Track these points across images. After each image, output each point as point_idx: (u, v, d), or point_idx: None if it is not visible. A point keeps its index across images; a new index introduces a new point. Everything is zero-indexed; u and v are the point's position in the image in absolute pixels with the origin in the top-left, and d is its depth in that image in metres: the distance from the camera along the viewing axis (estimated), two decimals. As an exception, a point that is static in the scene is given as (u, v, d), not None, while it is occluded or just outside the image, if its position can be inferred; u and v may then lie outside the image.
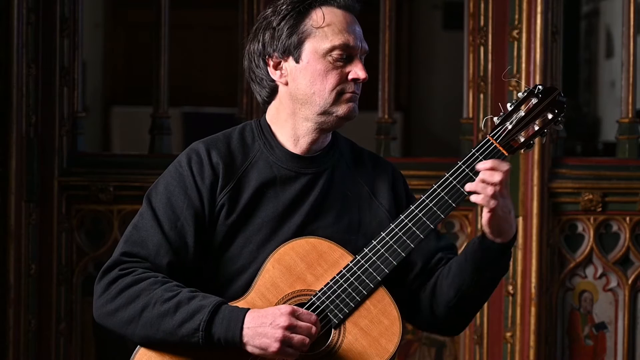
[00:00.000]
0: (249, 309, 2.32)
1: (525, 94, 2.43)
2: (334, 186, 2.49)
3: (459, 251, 2.54)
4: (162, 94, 4.33)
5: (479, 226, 2.44)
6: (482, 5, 4.22)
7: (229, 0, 4.23)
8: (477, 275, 2.43)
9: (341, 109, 2.44)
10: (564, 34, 4.25)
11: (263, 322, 2.30)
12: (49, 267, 4.18)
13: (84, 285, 4.19)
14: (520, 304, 4.18)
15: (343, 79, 2.44)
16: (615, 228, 4.25)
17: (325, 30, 2.43)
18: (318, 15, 2.44)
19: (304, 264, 2.40)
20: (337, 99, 2.44)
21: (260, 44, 2.48)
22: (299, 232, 2.43)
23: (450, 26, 8.66)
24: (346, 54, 2.43)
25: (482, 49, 4.23)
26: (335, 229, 2.46)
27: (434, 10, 9.00)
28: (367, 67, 2.45)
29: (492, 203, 2.34)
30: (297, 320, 2.31)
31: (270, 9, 2.48)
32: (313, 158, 2.49)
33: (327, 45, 2.42)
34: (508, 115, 2.42)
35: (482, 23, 4.23)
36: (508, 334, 4.20)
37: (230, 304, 2.37)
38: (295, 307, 2.33)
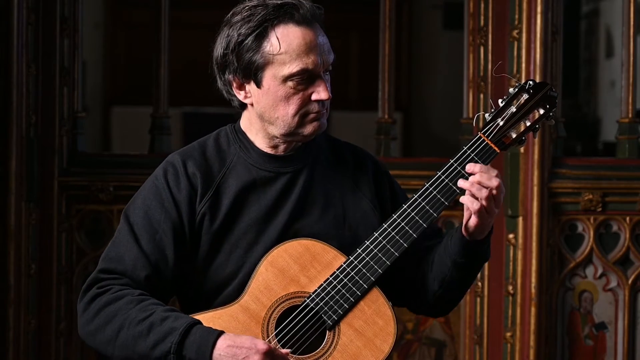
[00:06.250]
0: (222, 332, 2.29)
1: (517, 89, 2.40)
2: (315, 182, 2.47)
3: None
4: (162, 94, 4.33)
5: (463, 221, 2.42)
6: (482, 5, 4.21)
7: (229, 0, 4.22)
8: (456, 269, 2.43)
9: (306, 130, 2.42)
10: (564, 34, 4.25)
11: (235, 354, 2.27)
12: (49, 267, 4.17)
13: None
14: (520, 304, 4.18)
15: (306, 101, 2.40)
16: (615, 228, 4.25)
17: (282, 57, 2.37)
18: (274, 41, 2.37)
19: (298, 266, 2.39)
20: (302, 121, 2.41)
21: (221, 63, 2.45)
22: (285, 232, 2.42)
23: (450, 26, 8.66)
24: (307, 76, 2.38)
25: (482, 49, 4.23)
26: (322, 225, 2.44)
27: (434, 10, 8.99)
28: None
29: (479, 206, 2.32)
30: None
31: (231, 27, 2.42)
32: (291, 156, 2.48)
33: (285, 72, 2.37)
34: (500, 112, 2.40)
35: (482, 23, 4.22)
36: (508, 334, 4.20)
37: (224, 307, 2.37)
38: (273, 347, 2.29)
